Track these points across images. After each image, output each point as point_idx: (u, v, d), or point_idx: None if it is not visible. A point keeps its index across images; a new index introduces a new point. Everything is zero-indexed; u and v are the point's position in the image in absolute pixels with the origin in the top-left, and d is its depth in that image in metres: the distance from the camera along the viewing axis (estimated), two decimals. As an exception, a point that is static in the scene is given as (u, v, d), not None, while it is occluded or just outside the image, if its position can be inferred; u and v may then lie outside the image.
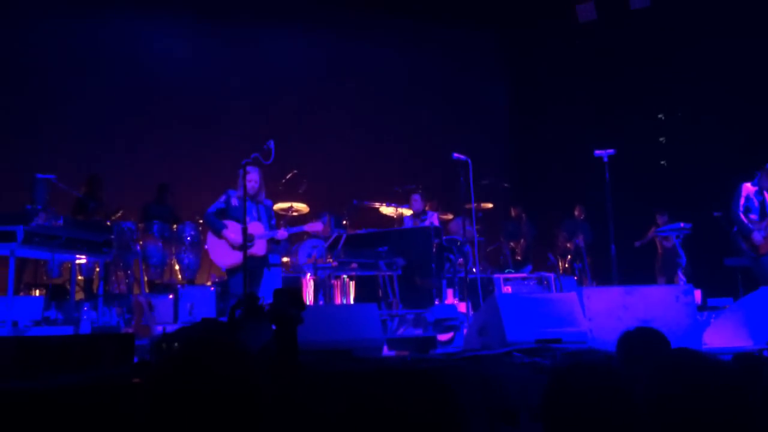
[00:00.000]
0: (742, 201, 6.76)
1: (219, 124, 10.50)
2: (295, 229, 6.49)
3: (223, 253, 5.98)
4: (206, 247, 6.26)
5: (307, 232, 8.63)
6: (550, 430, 1.56)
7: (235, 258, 5.87)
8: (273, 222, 6.24)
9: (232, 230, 5.92)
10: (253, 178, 5.91)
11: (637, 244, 9.85)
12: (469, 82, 12.59)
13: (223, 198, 6.09)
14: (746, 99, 9.75)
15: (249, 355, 1.18)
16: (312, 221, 6.67)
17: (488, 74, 13.16)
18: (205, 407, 1.02)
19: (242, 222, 5.52)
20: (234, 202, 6.02)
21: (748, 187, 6.81)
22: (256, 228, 6.00)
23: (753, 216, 6.76)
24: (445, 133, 11.39)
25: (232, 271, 5.99)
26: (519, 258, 10.14)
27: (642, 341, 2.45)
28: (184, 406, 1.03)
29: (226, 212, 6.03)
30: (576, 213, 10.41)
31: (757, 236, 6.66)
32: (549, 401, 1.58)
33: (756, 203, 6.77)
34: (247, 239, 5.68)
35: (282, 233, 6.11)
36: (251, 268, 5.70)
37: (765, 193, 6.82)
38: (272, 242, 6.29)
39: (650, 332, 2.52)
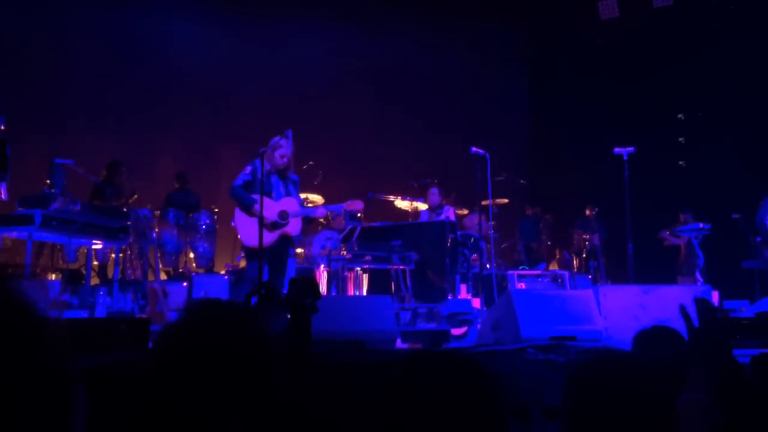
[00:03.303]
0: None
1: (237, 114, 10.53)
2: (333, 207, 6.03)
3: (252, 231, 5.34)
4: (234, 224, 5.62)
5: (320, 222, 8.67)
6: (570, 424, 1.54)
7: (269, 237, 5.34)
8: (300, 199, 5.74)
9: (264, 206, 5.30)
10: (285, 153, 5.39)
11: (664, 234, 9.72)
12: (489, 77, 12.52)
13: (249, 169, 5.45)
14: (768, 100, 9.61)
15: (257, 319, 1.15)
16: (351, 199, 6.00)
17: (508, 69, 13.07)
18: (211, 363, 0.99)
19: (270, 198, 5.18)
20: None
21: None
22: (290, 204, 5.46)
23: None
24: (463, 129, 11.33)
25: (254, 254, 5.33)
26: (536, 255, 10.08)
27: (658, 339, 2.42)
28: (188, 363, 1.00)
29: (252, 186, 5.41)
30: (587, 212, 10.33)
31: None
32: (570, 394, 1.56)
33: None
34: (282, 217, 5.34)
35: (321, 211, 5.63)
36: (280, 249, 5.36)
37: None
38: (306, 221, 5.74)
39: (666, 331, 2.49)
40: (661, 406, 1.49)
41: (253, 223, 5.35)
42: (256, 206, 5.30)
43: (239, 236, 5.64)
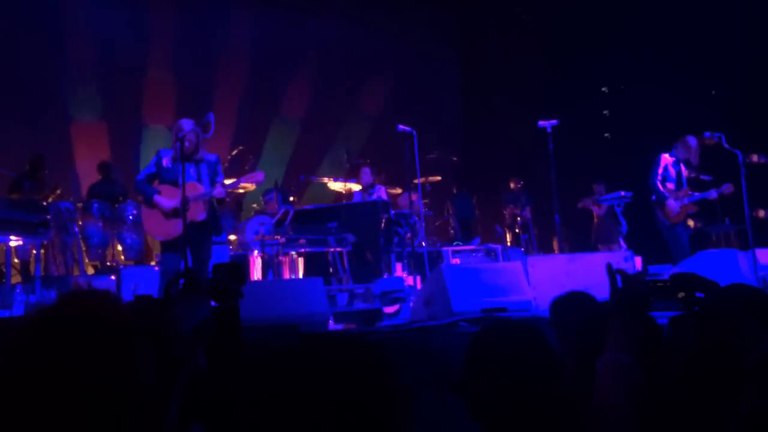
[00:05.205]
0: (660, 170, 7.12)
1: (162, 99, 10.20)
2: (231, 185, 5.87)
3: (157, 224, 5.33)
4: (142, 218, 5.60)
5: (253, 208, 8.55)
6: (471, 394, 1.57)
7: (170, 228, 5.20)
8: (220, 179, 5.48)
9: (165, 195, 5.29)
10: (190, 138, 5.22)
11: (580, 205, 10.04)
12: (419, 54, 12.52)
13: (153, 160, 5.43)
14: (689, 73, 9.94)
15: (118, 301, 1.09)
16: (250, 173, 5.89)
17: (438, 46, 13.12)
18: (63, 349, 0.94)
19: (175, 186, 5.03)
20: (166, 163, 5.36)
21: (666, 158, 7.17)
22: (191, 189, 5.27)
23: (670, 185, 7.10)
24: (395, 107, 11.33)
25: (168, 245, 5.28)
26: (470, 231, 10.22)
27: (572, 305, 2.50)
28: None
29: (159, 176, 5.38)
30: (512, 185, 10.55)
31: (671, 204, 6.98)
32: (467, 365, 1.58)
33: (673, 173, 7.12)
34: (183, 203, 5.08)
35: (219, 191, 5.38)
36: (193, 237, 5.12)
37: (682, 164, 7.14)
38: (216, 203, 5.54)
39: (580, 296, 2.56)
40: (557, 371, 1.52)
41: (155, 215, 5.32)
42: (156, 197, 5.28)
43: (147, 231, 5.60)
